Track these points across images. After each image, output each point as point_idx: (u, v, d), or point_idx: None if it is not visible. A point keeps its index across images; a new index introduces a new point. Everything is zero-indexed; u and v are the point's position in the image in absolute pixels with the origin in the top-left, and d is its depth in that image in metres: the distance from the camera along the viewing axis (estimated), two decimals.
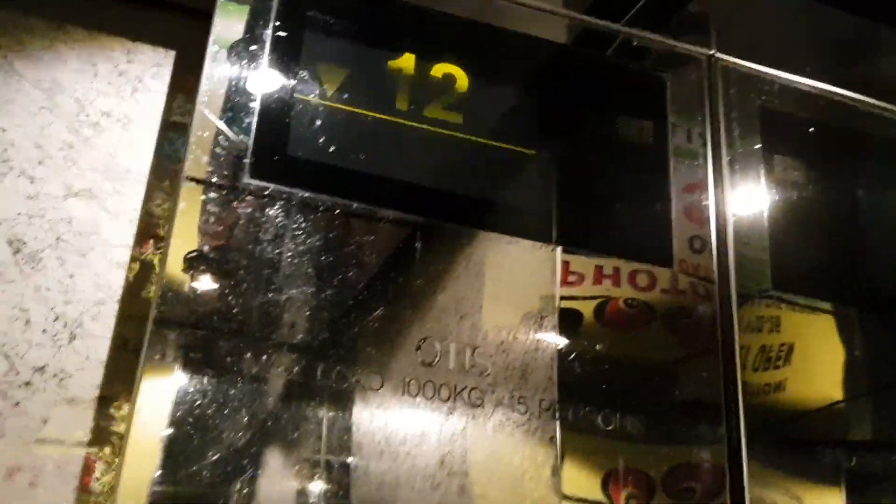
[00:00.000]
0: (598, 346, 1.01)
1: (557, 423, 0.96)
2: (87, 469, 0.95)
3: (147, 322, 0.86)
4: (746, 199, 1.13)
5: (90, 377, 0.98)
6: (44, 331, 0.98)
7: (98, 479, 0.95)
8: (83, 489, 0.94)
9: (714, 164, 1.13)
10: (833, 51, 1.32)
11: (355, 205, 0.96)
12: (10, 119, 1.05)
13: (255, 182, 0.92)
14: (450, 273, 0.99)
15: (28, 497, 0.93)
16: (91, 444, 0.95)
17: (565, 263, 1.03)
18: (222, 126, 0.94)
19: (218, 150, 0.93)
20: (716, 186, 1.12)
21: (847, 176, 1.23)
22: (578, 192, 1.09)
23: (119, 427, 0.97)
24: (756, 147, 1.16)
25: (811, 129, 1.23)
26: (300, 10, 1.03)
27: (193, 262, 0.89)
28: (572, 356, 0.99)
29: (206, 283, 0.90)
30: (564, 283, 1.02)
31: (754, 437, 1.01)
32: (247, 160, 0.93)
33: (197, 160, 0.92)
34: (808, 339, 1.12)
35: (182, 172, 0.92)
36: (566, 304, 1.02)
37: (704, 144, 1.14)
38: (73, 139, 1.07)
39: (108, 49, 1.13)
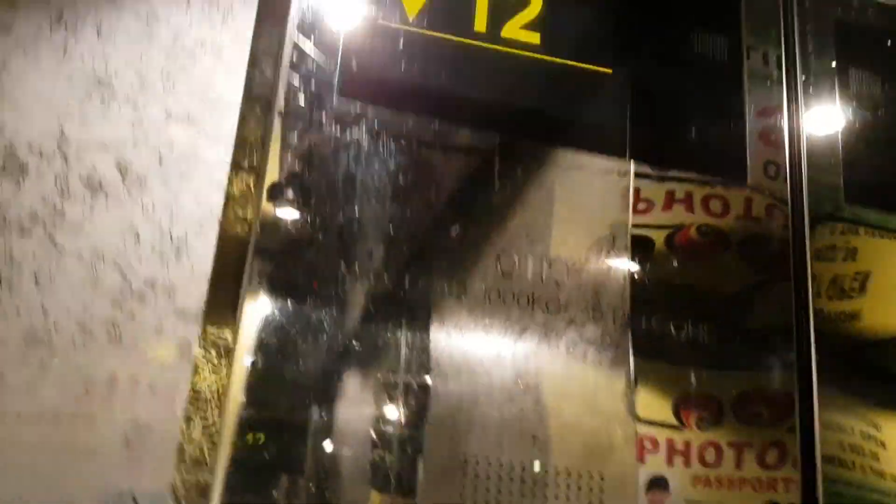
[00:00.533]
0: (670, 273, 1.04)
1: (630, 339, 1.01)
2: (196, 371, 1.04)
3: (247, 244, 0.94)
4: (821, 119, 1.14)
5: (196, 290, 1.06)
6: (152, 247, 1.06)
7: (205, 379, 1.03)
8: (193, 392, 1.03)
9: (788, 84, 1.14)
10: None
11: (436, 124, 1.00)
12: (112, 48, 1.11)
13: (343, 101, 0.98)
14: (524, 195, 1.03)
15: (145, 400, 1.02)
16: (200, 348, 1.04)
17: (636, 190, 1.06)
18: (311, 49, 0.99)
19: (307, 73, 0.98)
20: (789, 107, 1.13)
21: None
22: (653, 109, 1.12)
23: (224, 334, 1.05)
24: (831, 64, 1.16)
25: (888, 42, 1.22)
26: None
27: (276, 191, 0.96)
28: (644, 282, 1.03)
29: (292, 210, 0.96)
30: (635, 210, 1.05)
31: (827, 365, 1.04)
32: (335, 81, 0.98)
33: (287, 86, 0.98)
34: (885, 266, 1.12)
35: (275, 101, 0.98)
36: (637, 231, 1.04)
37: (779, 64, 1.15)
38: (170, 67, 1.13)
39: None
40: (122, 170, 1.08)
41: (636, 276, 1.03)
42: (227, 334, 1.03)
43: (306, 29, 1.01)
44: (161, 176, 1.09)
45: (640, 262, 1.03)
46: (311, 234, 0.95)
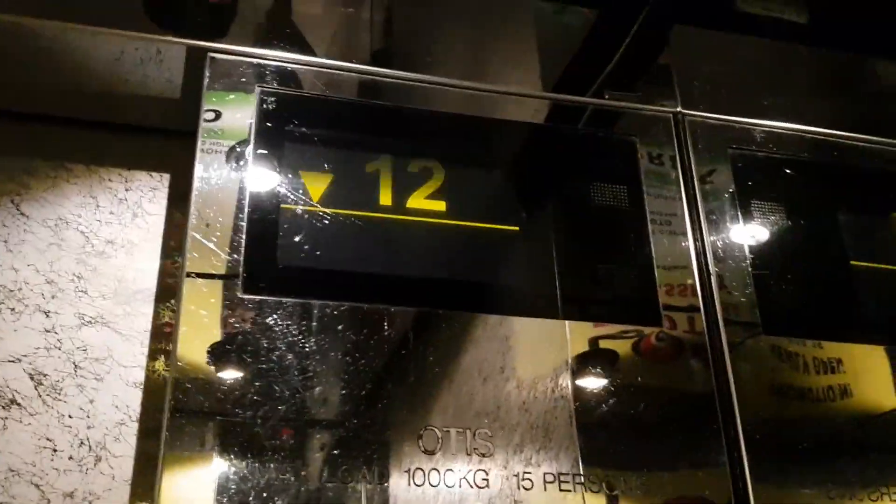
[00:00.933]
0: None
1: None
2: None
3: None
4: (729, 251, 1.17)
5: (118, 496, 1.03)
6: (70, 457, 1.03)
7: None
8: None
9: (691, 218, 1.17)
10: (799, 88, 1.36)
11: (347, 305, 1.00)
12: (21, 260, 1.12)
13: (249, 297, 0.98)
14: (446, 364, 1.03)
15: None
16: None
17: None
18: (212, 247, 0.99)
19: (211, 270, 0.99)
20: (695, 240, 1.16)
21: (826, 209, 1.26)
22: (567, 264, 1.13)
23: None
24: (733, 199, 1.20)
25: (785, 170, 1.26)
26: (278, 126, 1.09)
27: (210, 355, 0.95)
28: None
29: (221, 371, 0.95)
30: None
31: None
32: (239, 278, 0.99)
33: (192, 287, 0.98)
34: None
35: (179, 301, 0.98)
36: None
37: (680, 199, 1.18)
38: (81, 270, 1.13)
39: (107, 180, 1.20)
40: (36, 380, 1.06)
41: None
42: None
43: (209, 221, 1.02)
44: (76, 382, 1.07)
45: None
46: (224, 410, 0.94)
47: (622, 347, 1.08)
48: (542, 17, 1.34)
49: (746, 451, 1.04)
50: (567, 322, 1.08)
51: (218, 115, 1.07)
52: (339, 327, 1.00)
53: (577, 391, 1.03)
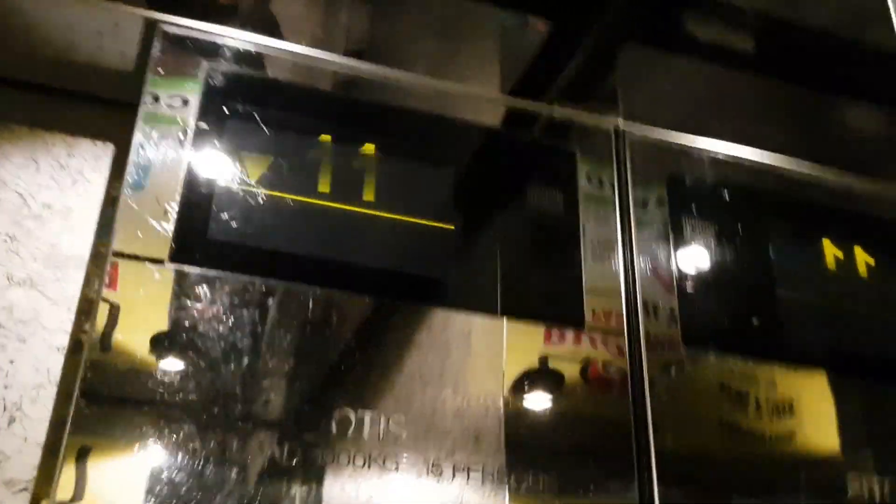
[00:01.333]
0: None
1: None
2: None
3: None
4: (656, 267, 1.19)
5: (28, 459, 1.03)
6: None
7: None
8: None
9: (623, 233, 1.20)
10: (741, 112, 1.39)
11: (271, 281, 1.02)
12: None
13: (175, 266, 0.99)
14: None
15: None
16: None
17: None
18: (146, 217, 1.00)
19: (142, 237, 1.00)
20: (624, 253, 1.18)
21: (758, 235, 1.29)
22: (498, 263, 1.15)
23: None
24: (665, 216, 1.23)
25: (718, 192, 1.29)
26: (221, 103, 1.10)
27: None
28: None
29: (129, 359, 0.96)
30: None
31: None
32: (168, 246, 1.00)
33: (125, 241, 0.99)
34: None
35: (109, 249, 0.99)
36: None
37: (614, 211, 1.21)
38: (15, 231, 1.13)
39: (50, 145, 1.20)
40: None
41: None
42: None
43: (144, 193, 1.03)
44: None
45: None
46: (147, 389, 0.94)
47: (569, 370, 1.10)
48: (502, 24, 1.37)
49: (658, 482, 1.06)
50: (505, 327, 1.09)
51: (162, 87, 1.08)
52: (266, 305, 1.01)
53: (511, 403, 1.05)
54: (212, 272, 1.00)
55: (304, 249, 1.07)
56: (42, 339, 1.09)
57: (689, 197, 1.26)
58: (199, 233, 1.02)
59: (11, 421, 1.04)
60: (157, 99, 1.08)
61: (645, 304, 1.15)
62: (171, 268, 0.99)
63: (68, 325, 1.11)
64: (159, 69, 1.10)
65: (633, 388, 1.10)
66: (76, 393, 0.91)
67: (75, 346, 1.09)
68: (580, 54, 1.29)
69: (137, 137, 1.05)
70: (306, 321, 1.02)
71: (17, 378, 1.06)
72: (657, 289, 1.17)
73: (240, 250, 1.04)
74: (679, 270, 1.20)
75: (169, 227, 1.01)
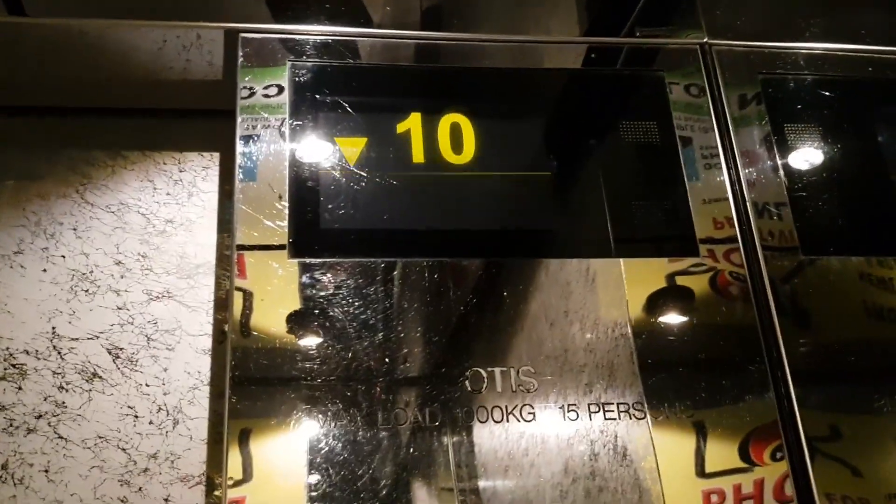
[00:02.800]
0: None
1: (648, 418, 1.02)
2: None
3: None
4: (763, 175, 1.17)
5: (197, 455, 1.11)
6: (150, 422, 1.12)
7: None
8: None
9: (724, 147, 1.18)
10: (822, 8, 1.34)
11: (387, 260, 1.06)
12: (90, 244, 1.20)
13: (297, 260, 1.04)
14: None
15: None
16: None
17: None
18: (258, 216, 1.06)
19: (259, 241, 1.05)
20: (729, 170, 1.17)
21: (864, 127, 1.25)
22: (595, 204, 1.16)
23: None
24: (762, 118, 1.20)
25: (816, 89, 1.26)
26: (309, 97, 1.14)
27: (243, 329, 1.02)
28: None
29: (270, 342, 1.02)
30: None
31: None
32: (287, 243, 1.05)
33: (246, 235, 1.05)
34: None
35: (233, 244, 1.05)
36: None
37: (712, 128, 1.19)
38: (145, 249, 1.22)
39: (162, 163, 1.28)
40: (114, 354, 1.15)
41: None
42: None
43: (254, 193, 1.08)
44: (150, 353, 1.16)
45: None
46: (298, 369, 1.00)
47: (693, 284, 1.11)
48: None
49: (793, 380, 1.06)
50: (622, 260, 1.10)
51: (253, 92, 1.13)
52: (389, 280, 1.05)
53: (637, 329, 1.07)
54: (328, 260, 1.05)
55: (414, 223, 1.11)
56: (188, 345, 1.17)
57: (786, 99, 1.23)
58: (312, 223, 1.07)
59: (175, 423, 1.12)
60: (249, 101, 1.13)
61: (758, 210, 1.14)
62: (293, 258, 1.04)
63: (208, 328, 1.18)
64: (246, 77, 1.14)
65: (756, 295, 1.10)
66: (227, 381, 0.98)
67: (219, 340, 1.17)
68: None
69: (239, 145, 1.10)
70: (426, 290, 1.06)
71: (173, 384, 1.14)
72: (767, 194, 1.16)
73: (354, 233, 1.08)
74: (787, 173, 1.18)
75: (284, 215, 1.05)
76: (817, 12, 1.32)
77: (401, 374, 1.01)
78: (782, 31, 1.28)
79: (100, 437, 1.10)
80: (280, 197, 1.08)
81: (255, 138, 1.11)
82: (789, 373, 1.05)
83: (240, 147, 1.11)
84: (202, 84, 1.29)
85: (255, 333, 1.01)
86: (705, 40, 1.25)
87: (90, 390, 1.13)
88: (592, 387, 1.03)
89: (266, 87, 1.14)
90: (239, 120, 1.12)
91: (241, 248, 1.05)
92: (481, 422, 0.99)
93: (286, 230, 1.06)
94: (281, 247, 1.05)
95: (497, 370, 1.02)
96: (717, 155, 1.18)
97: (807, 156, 1.20)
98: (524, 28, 1.27)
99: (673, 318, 1.08)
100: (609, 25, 1.30)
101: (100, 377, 1.14)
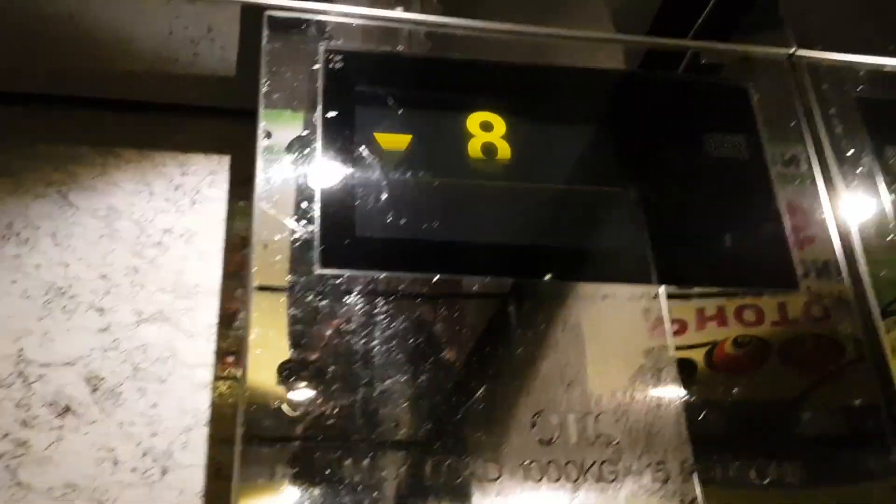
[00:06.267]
0: (722, 394, 0.90)
1: (697, 485, 0.84)
2: None
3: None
4: (869, 206, 1.02)
5: None
6: (133, 469, 0.92)
7: None
8: None
9: (822, 172, 1.03)
10: None
11: (436, 277, 0.88)
12: (71, 254, 1.01)
13: (328, 271, 0.86)
14: (549, 338, 0.90)
15: None
16: None
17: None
18: (285, 221, 0.88)
19: (283, 246, 0.87)
20: (831, 200, 1.01)
21: None
22: (675, 224, 0.99)
23: None
24: (864, 146, 1.05)
25: None
26: (347, 87, 0.98)
27: (283, 371, 0.83)
28: (699, 409, 0.88)
29: (296, 391, 0.82)
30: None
31: None
32: (315, 251, 0.87)
33: (263, 262, 0.86)
34: None
35: (249, 278, 0.86)
36: (678, 353, 0.91)
37: (795, 160, 1.04)
38: (137, 262, 1.03)
39: (161, 165, 1.10)
40: (93, 385, 0.95)
41: (689, 404, 0.88)
42: None
43: (278, 198, 0.90)
44: (136, 385, 0.96)
45: (689, 387, 0.89)
46: (315, 418, 0.81)
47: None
48: None
49: None
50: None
51: (279, 81, 0.96)
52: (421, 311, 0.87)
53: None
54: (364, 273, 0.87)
55: (459, 234, 0.94)
56: (183, 377, 0.97)
57: (887, 119, 1.08)
58: (347, 231, 0.89)
59: (164, 472, 0.92)
60: (275, 94, 0.96)
61: (864, 248, 0.98)
62: (323, 273, 0.85)
63: (209, 358, 0.99)
64: (272, 65, 0.98)
65: (871, 344, 0.93)
66: (238, 433, 0.78)
67: (223, 373, 0.98)
68: None
69: (261, 143, 0.93)
70: (468, 317, 0.88)
71: (164, 423, 0.94)
72: (871, 227, 1.00)
73: (390, 246, 0.91)
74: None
75: (314, 229, 0.88)
76: None
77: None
78: (875, 45, 1.14)
79: (69, 486, 0.89)
80: (307, 198, 0.90)
81: (280, 134, 0.94)
82: None
83: (261, 144, 0.93)
84: (213, 79, 1.12)
85: (266, 386, 0.82)
86: (793, 51, 1.11)
87: (61, 427, 0.92)
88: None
89: (293, 75, 0.97)
90: (262, 111, 0.95)
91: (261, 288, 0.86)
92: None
93: (315, 238, 0.88)
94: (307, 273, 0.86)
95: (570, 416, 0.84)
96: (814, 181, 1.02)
97: None
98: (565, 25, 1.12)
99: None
100: (669, 30, 1.15)
101: (73, 412, 0.93)
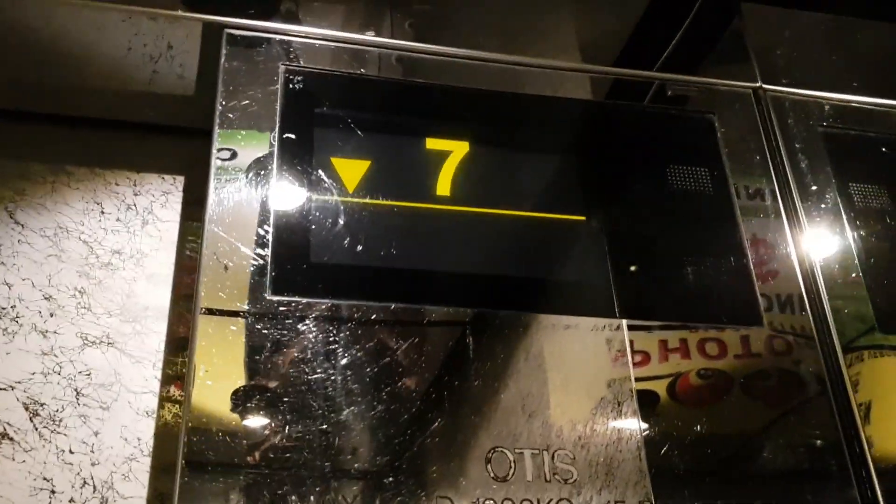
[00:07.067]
0: (684, 427, 0.87)
1: None
2: None
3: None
4: (831, 242, 1.01)
5: None
6: (71, 500, 0.87)
7: None
8: None
9: (786, 207, 1.02)
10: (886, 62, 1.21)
11: (393, 306, 0.85)
12: (15, 273, 0.97)
13: (278, 298, 0.82)
14: (511, 368, 0.87)
15: None
16: None
17: (630, 343, 0.91)
18: (238, 244, 0.84)
19: (234, 270, 0.84)
20: (793, 234, 1.00)
21: None
22: (638, 256, 0.97)
23: None
24: (829, 181, 1.04)
25: (884, 148, 1.10)
26: (306, 109, 0.95)
27: (234, 398, 0.79)
28: (660, 443, 0.86)
29: (245, 418, 0.79)
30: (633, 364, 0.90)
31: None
32: (267, 277, 0.83)
33: (212, 286, 0.83)
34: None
35: (196, 301, 0.83)
36: (638, 385, 0.89)
37: (759, 194, 1.02)
38: (84, 284, 0.99)
39: (113, 184, 1.06)
40: (32, 410, 0.91)
41: (650, 437, 0.85)
42: None
43: (230, 220, 0.87)
44: (78, 412, 0.92)
45: (649, 420, 0.86)
46: (263, 449, 0.77)
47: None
48: None
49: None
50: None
51: (238, 100, 0.93)
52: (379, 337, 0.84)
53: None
54: (318, 300, 0.84)
55: (416, 262, 0.91)
56: (127, 404, 0.93)
57: (851, 155, 1.07)
58: (300, 257, 0.86)
59: (104, 503, 0.88)
60: (231, 114, 0.93)
61: (827, 283, 0.96)
62: (273, 300, 0.82)
63: (155, 385, 0.95)
64: (230, 84, 0.95)
65: (832, 380, 0.92)
66: (179, 463, 0.74)
67: (168, 400, 0.94)
68: (695, 11, 1.12)
69: (214, 163, 0.89)
70: (426, 347, 0.85)
71: (105, 453, 0.90)
72: (835, 263, 0.99)
73: (346, 273, 0.87)
74: (854, 238, 1.01)
75: (266, 254, 0.84)
76: (870, 67, 1.18)
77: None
78: (837, 84, 1.13)
79: None
80: (260, 222, 0.87)
81: (235, 154, 0.91)
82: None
83: (215, 162, 0.90)
84: (170, 98, 1.09)
85: (214, 406, 0.78)
86: (759, 84, 1.10)
87: None
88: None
89: (251, 96, 0.94)
90: (217, 130, 0.92)
91: (209, 311, 0.82)
92: None
93: (267, 265, 0.84)
94: (258, 299, 0.83)
95: (527, 452, 0.81)
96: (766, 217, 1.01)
97: (876, 221, 1.04)
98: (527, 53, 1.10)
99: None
100: (636, 62, 1.13)
101: (10, 438, 0.89)
